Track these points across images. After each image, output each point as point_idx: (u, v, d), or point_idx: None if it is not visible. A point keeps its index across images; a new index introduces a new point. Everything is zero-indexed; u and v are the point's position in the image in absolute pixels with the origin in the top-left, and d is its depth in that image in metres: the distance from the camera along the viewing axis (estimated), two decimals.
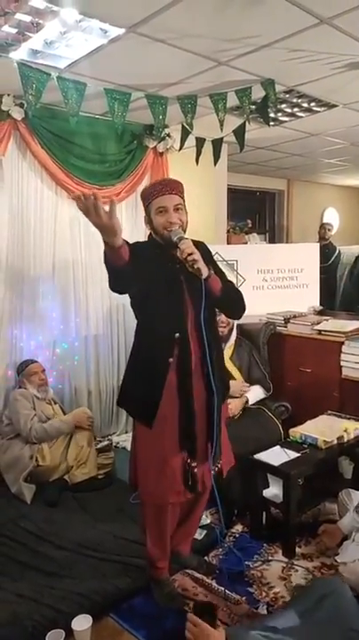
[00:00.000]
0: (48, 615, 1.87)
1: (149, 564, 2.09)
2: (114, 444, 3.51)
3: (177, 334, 1.80)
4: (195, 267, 1.71)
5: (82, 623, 1.78)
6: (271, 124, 3.59)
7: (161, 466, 1.87)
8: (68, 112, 2.57)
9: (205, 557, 2.36)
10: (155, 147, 3.57)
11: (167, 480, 1.86)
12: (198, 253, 1.74)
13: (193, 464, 1.86)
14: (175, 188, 1.86)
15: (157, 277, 1.81)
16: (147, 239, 1.98)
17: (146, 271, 1.76)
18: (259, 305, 3.71)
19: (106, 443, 3.50)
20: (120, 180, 3.47)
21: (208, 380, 1.85)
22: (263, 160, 5.23)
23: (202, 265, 1.74)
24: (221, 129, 2.86)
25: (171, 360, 1.80)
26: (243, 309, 2.04)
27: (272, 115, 3.41)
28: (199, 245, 1.86)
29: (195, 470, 1.87)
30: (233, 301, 2.00)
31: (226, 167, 4.37)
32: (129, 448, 2.14)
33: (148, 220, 1.89)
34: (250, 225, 4.89)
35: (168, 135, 3.53)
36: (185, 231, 1.85)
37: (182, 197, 1.88)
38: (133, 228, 3.64)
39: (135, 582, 2.10)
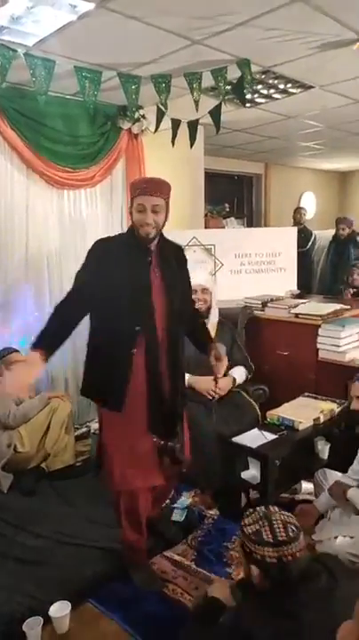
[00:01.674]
0: (25, 603, 1.87)
1: (127, 549, 2.10)
2: (92, 431, 3.50)
3: (137, 327, 1.86)
4: None
5: (60, 609, 1.78)
6: (247, 105, 3.55)
7: (130, 451, 1.91)
8: (36, 91, 2.48)
9: (185, 539, 2.38)
10: (130, 128, 3.50)
11: (137, 465, 1.91)
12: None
13: (169, 443, 1.91)
14: (158, 189, 1.90)
15: (122, 274, 1.86)
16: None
17: (109, 271, 1.86)
18: (237, 289, 3.72)
19: (84, 430, 3.48)
20: (94, 163, 3.39)
21: (174, 367, 1.95)
22: (240, 143, 5.19)
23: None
24: (197, 109, 2.81)
25: (134, 351, 1.87)
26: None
27: (248, 96, 3.36)
28: (181, 253, 2.06)
29: (170, 445, 1.92)
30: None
31: (202, 150, 4.32)
32: None
33: (131, 213, 1.95)
34: (227, 209, 4.87)
35: (143, 116, 3.46)
36: (161, 229, 1.93)
37: (165, 198, 1.92)
38: (109, 212, 3.58)
39: (113, 567, 2.11)
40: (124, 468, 1.92)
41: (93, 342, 1.97)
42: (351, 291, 4.22)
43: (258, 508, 1.41)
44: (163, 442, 1.90)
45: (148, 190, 1.88)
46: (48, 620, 1.76)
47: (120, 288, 1.86)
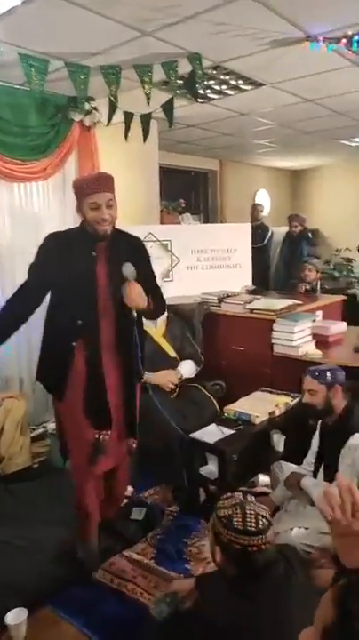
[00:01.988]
0: None
1: (79, 525, 2.18)
2: (49, 432, 3.41)
3: (79, 321, 1.92)
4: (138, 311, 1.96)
5: (16, 616, 1.72)
6: (200, 100, 3.55)
7: (75, 438, 2.03)
8: None
9: (145, 538, 2.36)
10: (82, 121, 3.41)
11: (80, 452, 2.02)
12: (143, 300, 1.92)
13: (100, 436, 1.99)
14: (107, 185, 1.95)
15: (68, 268, 1.92)
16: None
17: (57, 265, 1.92)
18: (194, 285, 3.72)
19: (40, 430, 3.39)
20: (45, 155, 3.28)
21: (122, 359, 2.02)
22: (194, 139, 5.19)
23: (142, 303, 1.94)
24: (148, 102, 2.78)
25: (74, 344, 1.93)
26: (163, 312, 2.26)
27: (201, 91, 3.36)
28: (137, 243, 2.10)
29: (101, 439, 1.99)
30: (155, 311, 2.14)
31: (156, 144, 4.28)
32: None
33: (81, 211, 1.97)
34: (183, 205, 4.85)
35: (94, 109, 3.38)
36: (114, 224, 1.98)
37: (113, 191, 1.97)
38: (61, 206, 3.48)
39: (72, 571, 2.06)
40: (73, 453, 2.06)
41: (45, 332, 2.04)
42: (305, 286, 4.32)
43: (236, 494, 1.43)
44: (96, 434, 1.98)
45: (100, 187, 1.92)
46: (4, 628, 1.70)
47: (66, 282, 1.90)
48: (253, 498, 1.44)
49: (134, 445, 2.19)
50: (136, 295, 1.90)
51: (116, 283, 1.94)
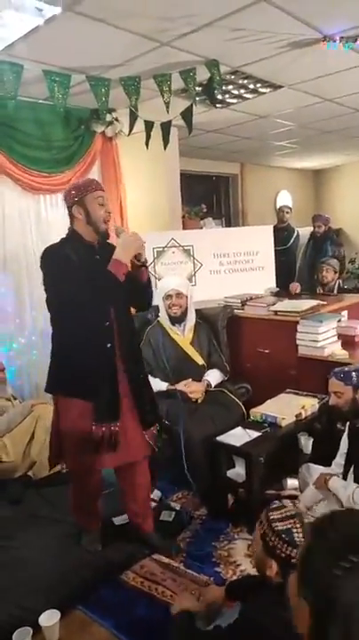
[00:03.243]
0: (14, 613, 1.84)
1: (76, 511, 2.28)
2: None
3: (107, 322, 1.97)
4: (142, 260, 1.99)
5: (49, 618, 1.76)
6: (218, 106, 3.58)
7: (79, 435, 1.99)
8: (5, 96, 2.46)
9: (173, 540, 2.37)
10: (104, 131, 3.49)
11: (83, 450, 2.00)
12: (142, 246, 1.97)
13: (112, 427, 1.99)
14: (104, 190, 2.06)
15: (81, 275, 1.90)
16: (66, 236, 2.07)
17: (71, 274, 1.91)
18: (217, 289, 3.73)
19: None
20: (69, 167, 3.37)
21: (126, 352, 2.06)
22: (214, 144, 5.22)
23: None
24: (168, 111, 2.82)
25: (109, 345, 1.98)
26: (151, 299, 2.23)
27: (219, 97, 3.39)
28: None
29: (113, 429, 1.99)
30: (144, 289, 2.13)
31: (177, 151, 4.33)
32: None
33: (82, 212, 1.98)
34: (205, 209, 4.88)
35: (116, 119, 3.45)
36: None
37: None
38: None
39: (102, 573, 2.10)
40: (82, 451, 2.02)
41: (64, 341, 2.03)
42: (321, 288, 4.23)
43: (286, 503, 1.40)
44: (104, 427, 1.99)
45: (101, 186, 2.03)
46: (38, 630, 1.74)
47: (84, 289, 1.88)
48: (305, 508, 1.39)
49: (155, 438, 2.18)
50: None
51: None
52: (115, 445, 1.99)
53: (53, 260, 1.95)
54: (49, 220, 3.45)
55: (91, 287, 1.87)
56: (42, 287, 1.98)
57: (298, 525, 1.30)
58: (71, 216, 2.02)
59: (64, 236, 2.05)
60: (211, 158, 6.10)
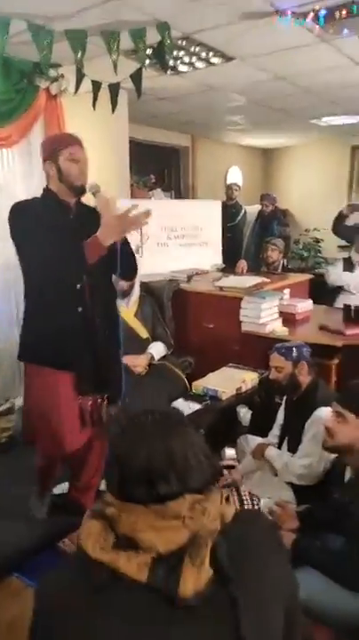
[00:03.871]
0: None
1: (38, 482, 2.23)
2: (16, 407, 3.36)
3: (79, 285, 1.87)
4: None
5: None
6: (169, 72, 3.46)
7: (59, 412, 1.92)
8: None
9: None
10: (48, 88, 3.29)
11: (67, 425, 1.93)
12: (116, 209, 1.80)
13: (98, 400, 1.95)
14: (80, 141, 1.93)
15: (52, 235, 1.80)
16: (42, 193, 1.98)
17: (42, 233, 1.80)
18: (163, 262, 3.70)
19: (7, 406, 3.34)
20: (10, 122, 3.16)
21: (107, 317, 1.98)
22: (165, 112, 5.09)
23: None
24: (115, 71, 2.69)
25: (80, 309, 1.88)
26: (135, 269, 2.12)
27: (171, 63, 3.28)
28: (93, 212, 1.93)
29: (89, 405, 1.95)
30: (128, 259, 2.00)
31: (126, 116, 4.18)
32: None
33: (54, 169, 1.88)
34: (154, 180, 4.78)
35: (61, 76, 3.26)
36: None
37: None
38: (26, 174, 3.38)
39: (39, 539, 2.07)
40: (55, 432, 1.93)
41: (33, 307, 1.94)
42: (267, 268, 4.29)
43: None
44: (91, 400, 1.93)
45: (78, 141, 1.91)
46: None
47: (53, 250, 1.77)
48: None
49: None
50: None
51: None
52: (100, 421, 1.94)
53: (21, 216, 1.86)
54: None
55: (61, 249, 1.76)
56: None
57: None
58: (46, 172, 1.93)
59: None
60: (163, 127, 5.96)
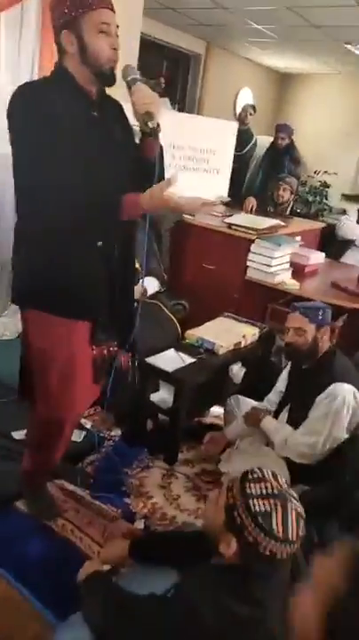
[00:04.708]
0: None
1: (27, 475, 1.78)
2: None
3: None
4: (151, 125, 1.35)
5: None
6: None
7: (74, 367, 1.52)
8: None
9: (80, 463, 2.12)
10: None
11: (81, 382, 1.55)
12: (157, 104, 1.36)
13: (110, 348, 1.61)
14: (113, 6, 1.33)
15: (69, 139, 1.29)
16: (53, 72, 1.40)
17: (55, 133, 1.27)
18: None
19: None
20: None
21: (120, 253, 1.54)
22: (183, 5, 4.32)
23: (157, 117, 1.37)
24: None
25: (99, 244, 1.43)
26: (163, 177, 1.56)
27: None
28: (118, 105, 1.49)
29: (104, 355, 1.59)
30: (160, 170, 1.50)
31: (141, 5, 3.46)
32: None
33: (75, 43, 1.31)
34: (163, 84, 4.10)
35: None
36: None
37: None
38: (14, 50, 2.73)
39: None
40: (64, 390, 1.54)
41: (35, 234, 1.40)
42: (273, 208, 3.84)
43: (267, 476, 1.03)
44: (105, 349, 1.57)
45: (108, 1, 1.30)
46: None
47: (70, 160, 1.28)
48: (292, 492, 1.04)
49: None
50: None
51: (119, 149, 1.42)
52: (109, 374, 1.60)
53: (28, 107, 1.28)
54: None
55: (84, 160, 1.29)
56: None
57: (278, 511, 0.98)
58: (58, 46, 1.34)
59: None
60: (178, 27, 5.15)
